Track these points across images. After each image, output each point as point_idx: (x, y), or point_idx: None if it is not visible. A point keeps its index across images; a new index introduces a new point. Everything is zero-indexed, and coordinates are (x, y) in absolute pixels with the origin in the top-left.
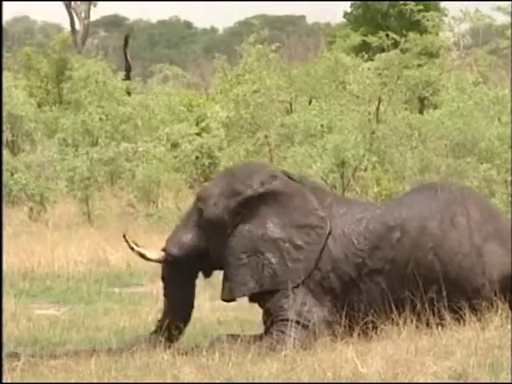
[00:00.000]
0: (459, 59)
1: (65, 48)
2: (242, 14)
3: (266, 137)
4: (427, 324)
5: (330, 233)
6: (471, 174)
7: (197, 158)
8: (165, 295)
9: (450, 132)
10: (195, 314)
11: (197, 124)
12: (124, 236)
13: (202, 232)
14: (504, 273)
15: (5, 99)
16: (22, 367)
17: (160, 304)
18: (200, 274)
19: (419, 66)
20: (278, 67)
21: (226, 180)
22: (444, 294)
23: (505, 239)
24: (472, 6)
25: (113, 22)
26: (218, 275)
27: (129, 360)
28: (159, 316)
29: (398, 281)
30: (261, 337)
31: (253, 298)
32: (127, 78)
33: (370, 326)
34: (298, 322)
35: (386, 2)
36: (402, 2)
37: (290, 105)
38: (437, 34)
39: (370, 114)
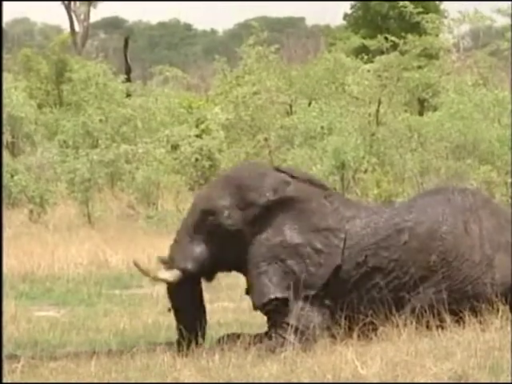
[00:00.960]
0: (459, 61)
1: (64, 49)
2: (242, 16)
3: (266, 139)
4: (427, 326)
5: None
6: (471, 175)
7: (197, 159)
8: (177, 310)
9: (449, 134)
10: None
11: (197, 126)
12: (135, 263)
13: (213, 244)
14: None
15: (5, 101)
16: (21, 369)
17: (160, 306)
18: None
19: (419, 67)
20: (277, 69)
21: (232, 189)
22: (445, 296)
23: None
24: (471, 7)
25: (113, 24)
26: (217, 277)
27: (129, 362)
28: (159, 316)
29: (399, 282)
30: (261, 337)
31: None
32: (128, 80)
33: (370, 327)
34: (297, 328)
35: (386, 4)
36: (401, 4)
37: (290, 106)
38: (436, 36)
39: (369, 115)
